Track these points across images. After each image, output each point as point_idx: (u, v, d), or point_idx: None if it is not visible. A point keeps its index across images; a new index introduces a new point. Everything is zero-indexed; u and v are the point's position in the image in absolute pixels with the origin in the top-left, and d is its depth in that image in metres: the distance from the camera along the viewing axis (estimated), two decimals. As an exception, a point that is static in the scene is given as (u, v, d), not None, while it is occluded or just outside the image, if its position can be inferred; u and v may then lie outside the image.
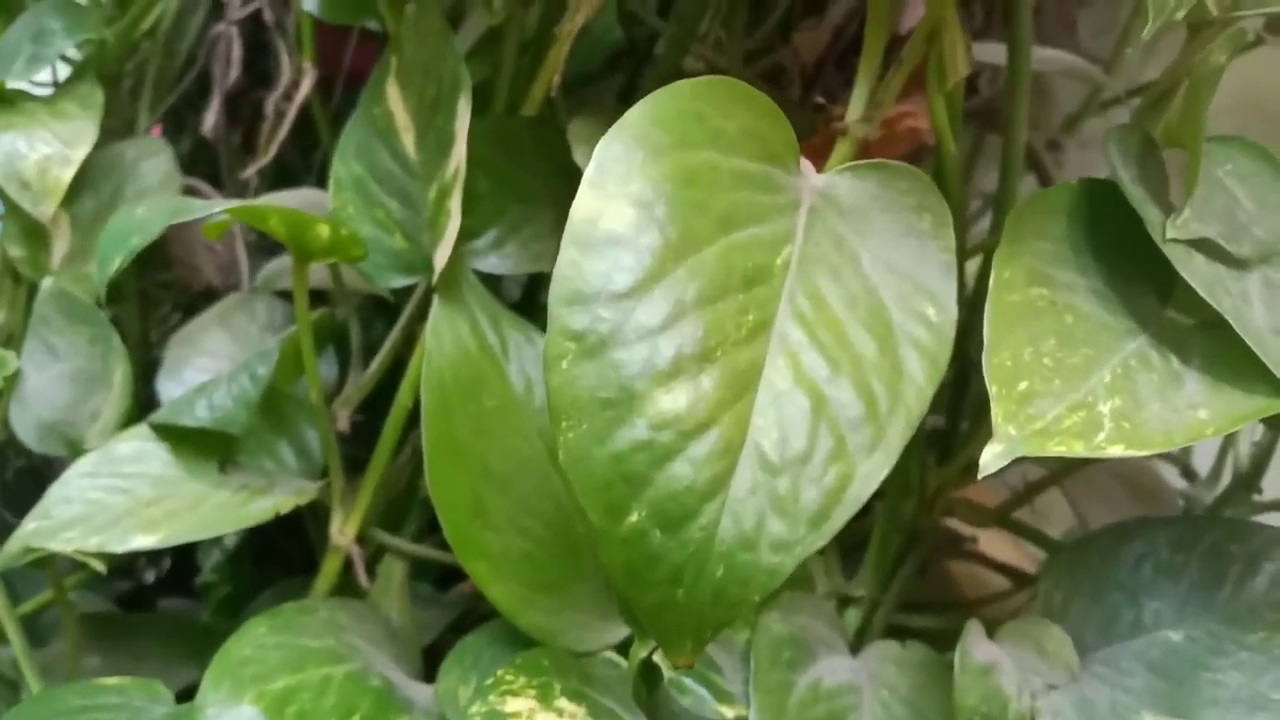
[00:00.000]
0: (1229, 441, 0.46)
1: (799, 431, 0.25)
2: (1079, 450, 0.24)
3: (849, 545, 0.42)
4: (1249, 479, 0.44)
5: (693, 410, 0.24)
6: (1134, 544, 0.34)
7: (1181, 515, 0.39)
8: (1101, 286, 0.29)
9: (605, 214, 0.25)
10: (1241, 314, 0.27)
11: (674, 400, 0.24)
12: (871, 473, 0.25)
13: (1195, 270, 0.27)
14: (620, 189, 0.25)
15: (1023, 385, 0.25)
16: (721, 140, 0.26)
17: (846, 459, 0.25)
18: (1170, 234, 0.27)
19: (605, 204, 0.25)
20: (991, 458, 0.24)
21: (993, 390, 0.25)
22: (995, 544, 0.52)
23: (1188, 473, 0.51)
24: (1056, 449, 0.24)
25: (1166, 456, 0.52)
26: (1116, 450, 0.24)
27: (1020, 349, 0.26)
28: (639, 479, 0.24)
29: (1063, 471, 0.40)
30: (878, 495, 0.39)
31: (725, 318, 0.25)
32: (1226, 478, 0.46)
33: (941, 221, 0.27)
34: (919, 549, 0.39)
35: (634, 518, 0.24)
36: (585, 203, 0.25)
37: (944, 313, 0.26)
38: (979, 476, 0.24)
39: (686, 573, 0.24)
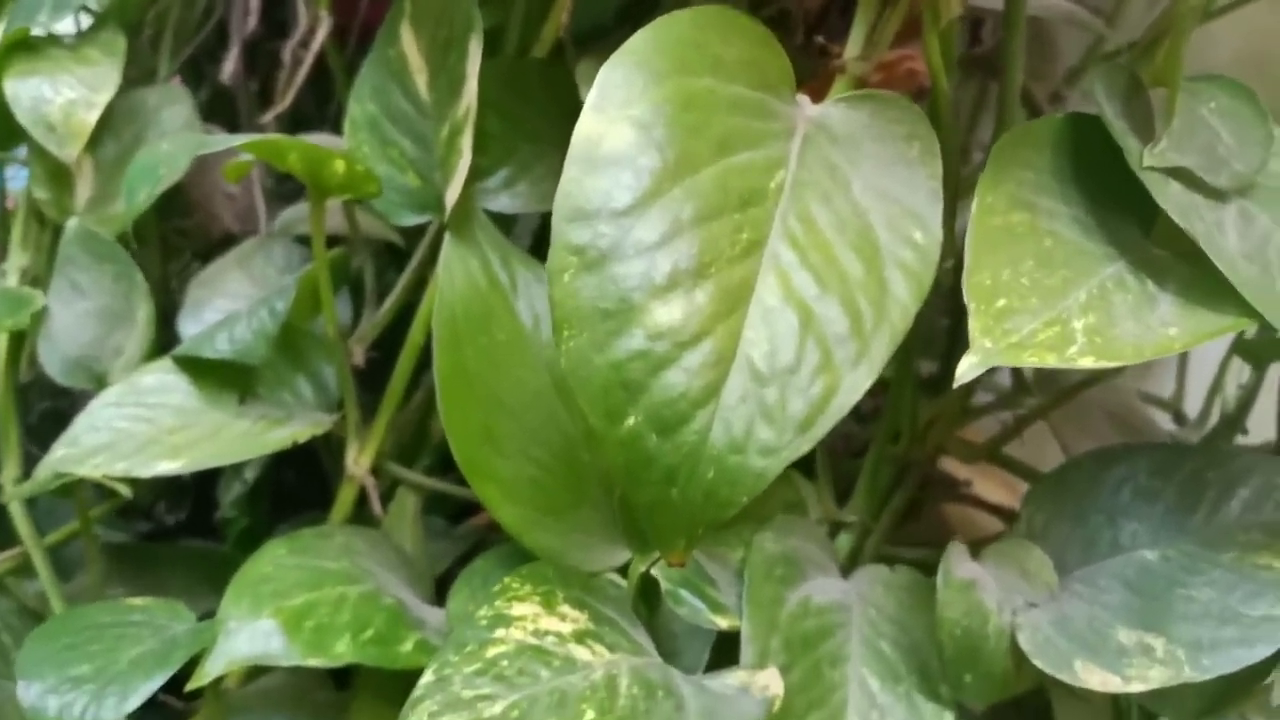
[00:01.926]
0: (1217, 385, 0.47)
1: (788, 345, 0.26)
2: (1050, 361, 0.26)
3: (845, 482, 0.43)
4: (1234, 420, 0.45)
5: (687, 322, 0.26)
6: (1115, 469, 0.35)
7: (1162, 444, 0.41)
8: (1083, 215, 0.30)
9: (607, 135, 0.26)
10: (1214, 240, 0.28)
11: (670, 313, 0.26)
12: (856, 384, 0.26)
13: (1170, 197, 0.28)
14: (621, 112, 0.26)
15: (1000, 303, 0.27)
16: (720, 67, 0.28)
17: (832, 371, 0.26)
18: (1147, 162, 0.29)
19: (607, 126, 0.26)
20: (967, 368, 0.26)
21: (971, 306, 0.27)
22: (989, 487, 0.54)
23: (1179, 417, 0.52)
24: (1030, 360, 0.26)
25: (1159, 401, 0.54)
26: (1087, 361, 0.26)
27: (999, 269, 0.27)
28: (636, 385, 0.25)
29: (1051, 403, 0.41)
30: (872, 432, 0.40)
31: (720, 236, 0.26)
32: (1214, 421, 0.47)
33: (929, 150, 0.28)
34: (909, 480, 0.41)
35: (631, 421, 0.25)
36: (588, 124, 0.26)
37: (929, 236, 0.28)
38: (954, 385, 0.26)
39: (680, 473, 0.25)
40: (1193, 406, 0.52)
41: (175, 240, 0.63)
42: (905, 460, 0.40)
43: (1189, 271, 0.29)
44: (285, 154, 0.37)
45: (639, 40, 0.27)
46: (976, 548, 0.52)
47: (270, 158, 0.38)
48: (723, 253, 0.26)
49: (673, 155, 0.26)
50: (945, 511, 0.56)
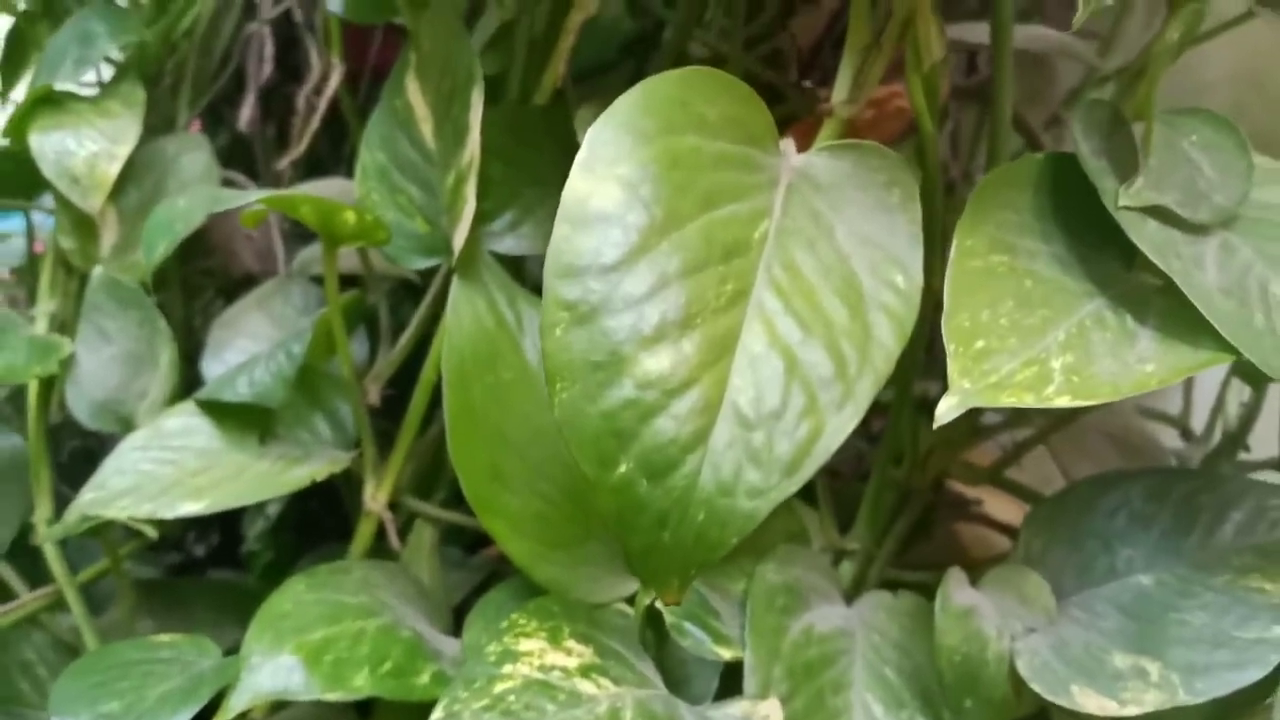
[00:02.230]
0: (1219, 404, 0.48)
1: (773, 390, 0.27)
2: (1028, 401, 0.27)
3: (847, 508, 0.44)
4: (1236, 438, 0.46)
5: (675, 371, 0.27)
6: (1110, 495, 0.36)
7: (1156, 468, 0.41)
8: (1064, 252, 0.31)
9: (595, 194, 0.27)
10: (1191, 276, 0.29)
11: (658, 362, 0.27)
12: (841, 426, 0.27)
13: (1147, 235, 0.29)
14: (609, 171, 0.27)
15: (979, 344, 0.28)
16: (705, 125, 0.29)
17: (817, 414, 0.27)
18: (1123, 201, 0.29)
19: (595, 185, 0.27)
20: (946, 409, 0.27)
21: (950, 348, 0.28)
22: (1000, 506, 0.54)
23: (1186, 433, 0.53)
24: (1008, 400, 0.27)
25: (1166, 418, 0.54)
26: (1063, 401, 0.27)
27: (979, 311, 0.28)
28: (627, 433, 0.26)
29: (1049, 429, 0.42)
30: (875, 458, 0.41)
31: (706, 287, 0.27)
32: (1218, 438, 0.48)
33: (910, 196, 0.29)
34: (912, 506, 0.41)
35: (623, 469, 0.26)
36: (576, 184, 0.27)
37: (911, 280, 0.28)
38: (934, 426, 0.27)
39: (671, 517, 0.26)
40: (1200, 421, 0.53)
41: (197, 280, 0.65)
42: (907, 486, 0.41)
43: (1169, 303, 0.30)
44: (298, 207, 0.38)
45: (626, 101, 0.28)
46: (987, 567, 0.53)
47: (284, 209, 0.40)
48: (709, 303, 0.27)
49: (659, 211, 0.27)
50: (957, 531, 0.57)
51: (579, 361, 0.26)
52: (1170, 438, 0.53)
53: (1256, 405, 0.44)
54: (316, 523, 0.59)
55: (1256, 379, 0.42)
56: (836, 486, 0.45)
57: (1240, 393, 0.47)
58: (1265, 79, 0.57)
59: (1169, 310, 0.30)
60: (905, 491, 0.41)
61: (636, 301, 0.27)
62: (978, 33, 0.45)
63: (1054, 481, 0.52)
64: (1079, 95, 0.56)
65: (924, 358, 0.43)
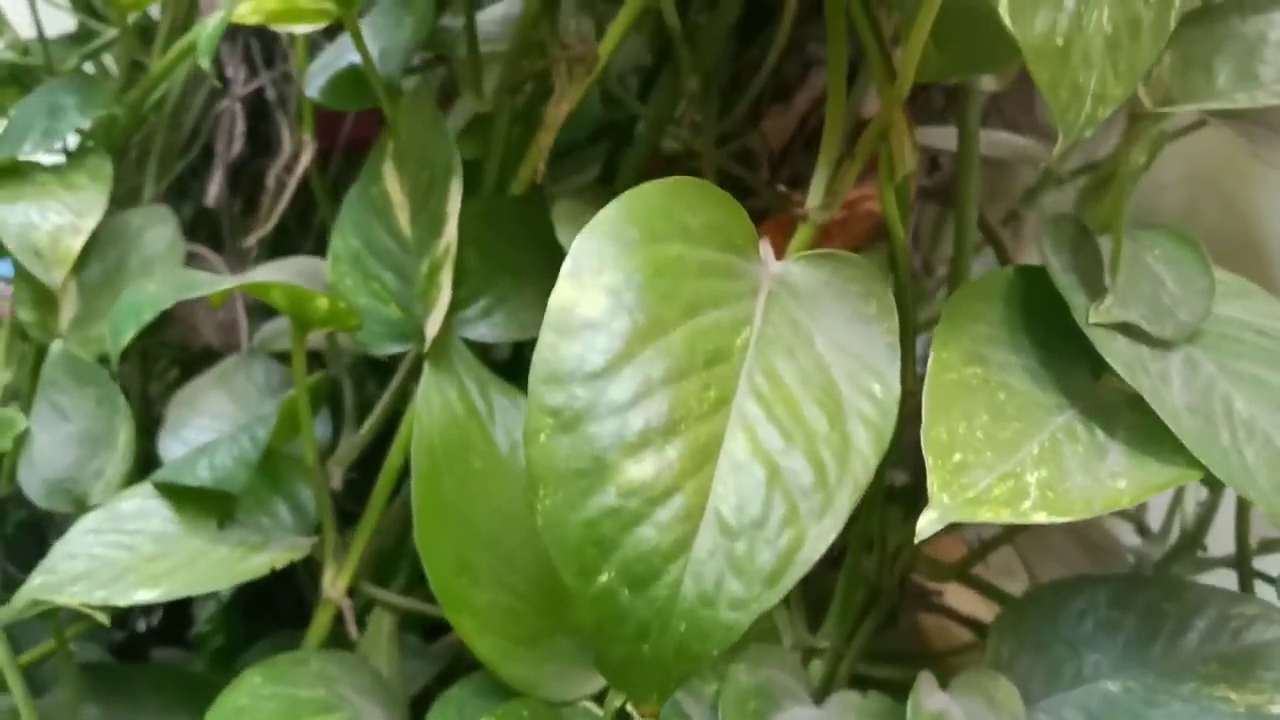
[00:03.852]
0: (1177, 501, 0.49)
1: (755, 498, 0.27)
2: (1005, 517, 0.27)
3: (817, 599, 0.44)
4: (1194, 537, 0.46)
5: (658, 479, 0.27)
6: (1076, 600, 0.36)
7: (1121, 574, 0.42)
8: (1035, 364, 0.31)
9: (581, 302, 0.27)
10: (1159, 393, 0.30)
11: (641, 470, 0.27)
12: (821, 535, 0.27)
13: (1116, 352, 0.30)
14: (594, 279, 0.27)
15: (957, 457, 0.28)
16: (688, 234, 0.29)
17: (798, 524, 0.27)
18: (1093, 319, 0.30)
19: (580, 293, 0.27)
20: (927, 524, 0.27)
21: (929, 462, 0.28)
22: (963, 598, 0.55)
23: (1142, 529, 0.53)
24: (986, 516, 0.27)
25: (1123, 514, 0.55)
26: (1040, 517, 0.27)
27: (955, 424, 0.29)
28: (609, 542, 0.26)
29: (1018, 529, 0.42)
30: (844, 553, 0.41)
31: (689, 394, 0.28)
32: (1175, 534, 0.48)
33: (885, 307, 0.30)
34: (882, 603, 0.41)
35: (604, 578, 0.26)
36: (563, 292, 0.27)
37: (888, 390, 0.29)
38: (914, 541, 0.27)
39: (652, 629, 0.26)
40: (1156, 518, 0.54)
41: (155, 349, 0.64)
42: (876, 585, 0.41)
43: (1137, 417, 0.31)
44: (269, 292, 0.38)
45: (611, 211, 0.28)
46: (950, 659, 0.53)
47: (256, 295, 0.39)
48: (692, 410, 0.27)
49: (644, 318, 0.27)
50: (922, 621, 0.57)
51: (562, 469, 0.26)
52: (1127, 533, 0.53)
53: (1213, 505, 0.45)
54: (270, 603, 0.58)
55: (1215, 482, 0.43)
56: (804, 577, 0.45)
57: (1197, 492, 0.48)
58: (1219, 179, 0.59)
59: (1137, 423, 0.31)
60: (875, 589, 0.41)
61: (620, 408, 0.27)
62: (944, 138, 0.46)
63: (1016, 568, 0.53)
64: (1036, 194, 0.58)
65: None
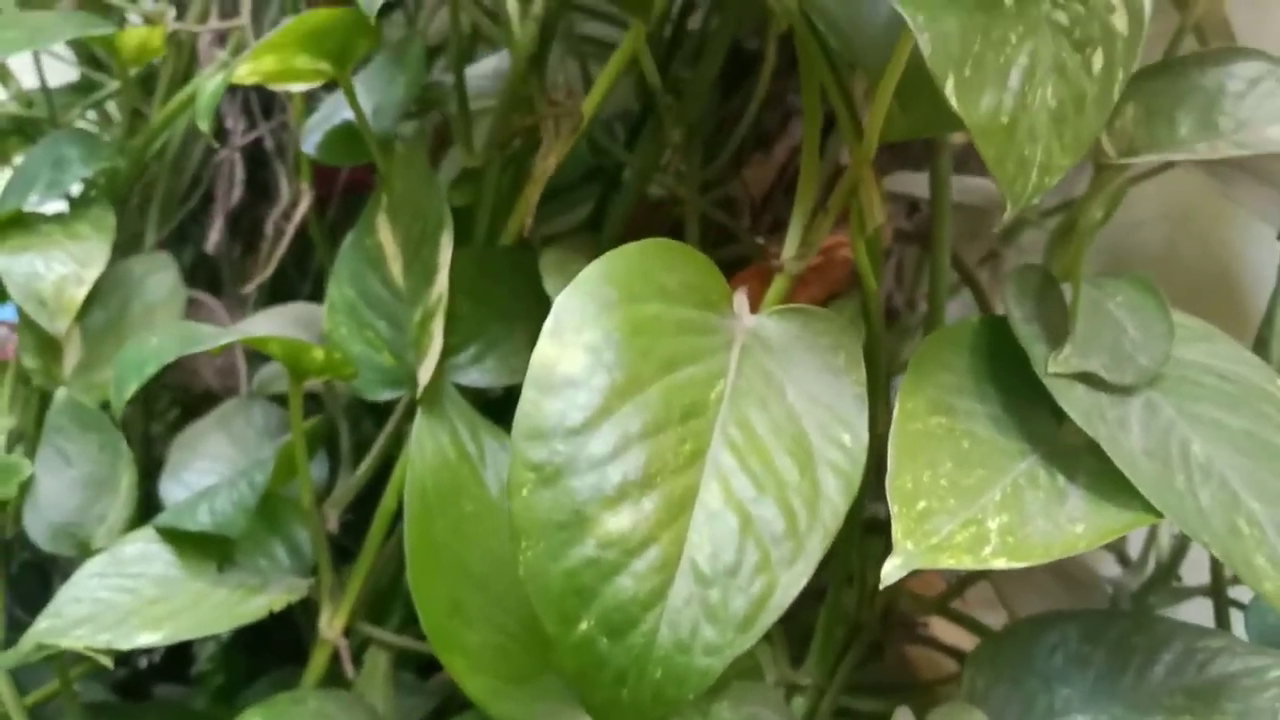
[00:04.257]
0: (1152, 533, 0.50)
1: (729, 547, 0.28)
2: (967, 563, 0.28)
3: (801, 635, 0.45)
4: (1169, 568, 0.47)
5: (635, 530, 0.28)
6: (1049, 634, 0.38)
7: (1093, 609, 0.43)
8: (999, 411, 0.33)
9: (562, 360, 0.29)
10: (1116, 439, 0.31)
11: (619, 521, 0.28)
12: (793, 581, 0.29)
13: (1074, 401, 0.31)
14: (575, 338, 0.29)
15: (921, 505, 0.29)
16: (665, 293, 0.30)
17: (770, 570, 0.28)
18: (1051, 369, 0.32)
19: (562, 351, 0.29)
20: (891, 569, 0.28)
21: (894, 510, 0.29)
22: (950, 629, 0.56)
23: (1123, 558, 0.55)
24: (948, 562, 0.28)
25: (1105, 545, 0.56)
26: (1000, 563, 0.28)
27: (920, 472, 0.30)
28: (588, 592, 0.27)
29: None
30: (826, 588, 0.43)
31: (665, 448, 0.29)
32: (1151, 566, 0.50)
33: (854, 359, 0.31)
34: (863, 637, 0.43)
35: (584, 626, 0.27)
36: (544, 350, 0.29)
37: (857, 439, 0.30)
38: (879, 588, 0.28)
39: (630, 675, 0.27)
40: (1135, 547, 0.55)
41: (157, 391, 0.65)
42: (858, 620, 0.42)
43: (1097, 463, 0.32)
44: (267, 344, 0.40)
45: (591, 271, 0.30)
46: (936, 689, 0.54)
47: (255, 347, 0.41)
48: (668, 463, 0.29)
49: (622, 376, 0.29)
50: (909, 653, 0.58)
51: (544, 521, 0.28)
52: (1109, 563, 0.55)
53: (1187, 536, 0.46)
54: (269, 641, 0.59)
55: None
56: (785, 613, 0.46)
57: (1171, 524, 0.49)
58: (1193, 216, 0.60)
59: (1097, 468, 0.32)
60: (856, 624, 0.42)
61: (600, 462, 0.28)
62: (920, 184, 0.48)
63: (997, 602, 0.54)
64: (1013, 234, 0.59)
65: (872, 480, 0.44)
